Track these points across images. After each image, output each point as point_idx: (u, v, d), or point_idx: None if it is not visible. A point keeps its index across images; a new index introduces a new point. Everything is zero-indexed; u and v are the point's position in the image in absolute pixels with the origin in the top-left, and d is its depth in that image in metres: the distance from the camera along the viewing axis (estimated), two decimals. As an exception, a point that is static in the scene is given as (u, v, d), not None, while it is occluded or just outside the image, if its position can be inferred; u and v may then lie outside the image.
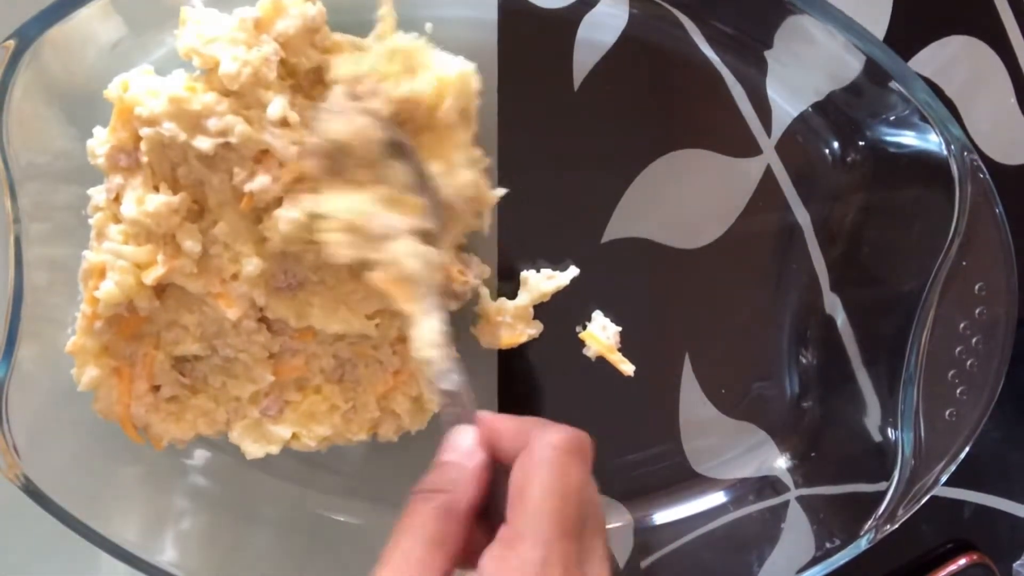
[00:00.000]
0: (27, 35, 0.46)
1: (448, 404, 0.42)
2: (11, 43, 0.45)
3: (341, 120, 0.46)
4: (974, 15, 0.55)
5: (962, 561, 0.58)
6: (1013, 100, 0.56)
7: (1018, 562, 0.60)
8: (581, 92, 0.53)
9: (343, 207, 0.46)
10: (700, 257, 0.55)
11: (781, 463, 0.57)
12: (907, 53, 0.55)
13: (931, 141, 0.50)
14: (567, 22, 0.52)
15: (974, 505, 0.59)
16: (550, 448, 0.37)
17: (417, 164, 0.47)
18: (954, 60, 0.55)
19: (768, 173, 0.54)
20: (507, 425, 0.40)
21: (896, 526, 0.52)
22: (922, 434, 0.52)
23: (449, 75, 0.48)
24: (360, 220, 0.45)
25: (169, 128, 0.45)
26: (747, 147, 0.54)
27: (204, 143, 0.46)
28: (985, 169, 0.49)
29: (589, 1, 0.52)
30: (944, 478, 0.52)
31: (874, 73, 0.50)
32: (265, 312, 0.50)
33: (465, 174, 0.50)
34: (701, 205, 0.55)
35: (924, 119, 0.50)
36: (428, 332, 0.44)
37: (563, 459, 0.37)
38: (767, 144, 0.54)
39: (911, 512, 0.52)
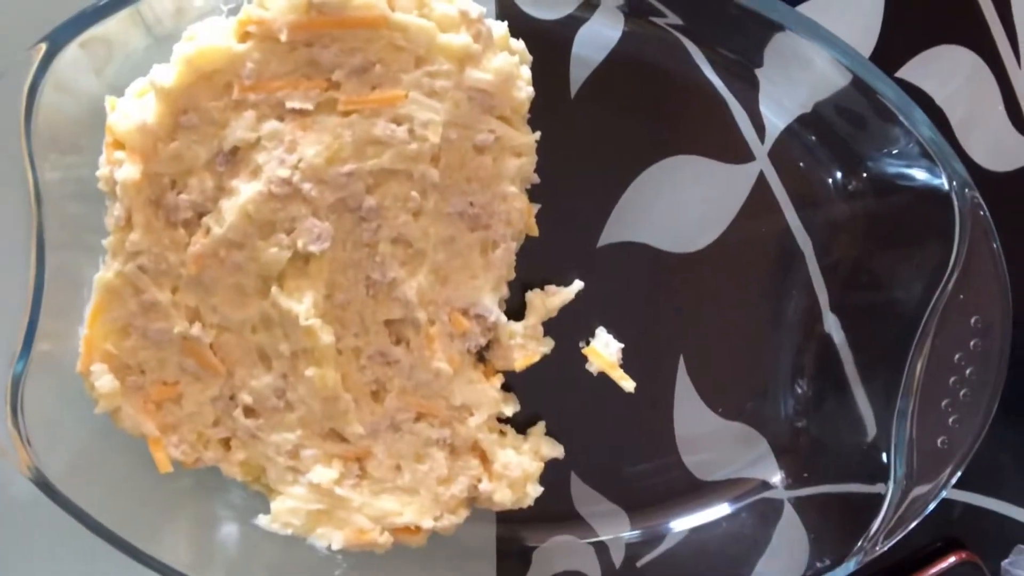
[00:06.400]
0: (58, 40, 0.46)
1: None
2: (42, 46, 0.46)
3: None
4: (963, 25, 0.56)
5: (951, 559, 0.59)
6: (1001, 108, 0.57)
7: (1006, 560, 0.60)
8: (577, 100, 0.54)
9: None
10: (695, 262, 0.56)
11: (776, 479, 0.58)
12: (897, 63, 0.55)
13: (933, 174, 0.51)
14: (562, 35, 0.53)
15: (963, 504, 0.60)
16: None
17: None
18: (943, 69, 0.56)
19: (761, 178, 0.55)
20: None
21: (886, 548, 0.54)
22: (914, 459, 0.53)
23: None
24: None
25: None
26: (740, 153, 0.55)
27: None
28: (984, 206, 0.51)
29: (583, 16, 0.53)
30: (933, 504, 0.53)
31: (878, 106, 0.51)
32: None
33: (521, 199, 0.51)
34: (695, 210, 0.56)
35: (926, 153, 0.51)
36: None
37: None
38: (760, 150, 0.55)
39: (901, 535, 0.53)
